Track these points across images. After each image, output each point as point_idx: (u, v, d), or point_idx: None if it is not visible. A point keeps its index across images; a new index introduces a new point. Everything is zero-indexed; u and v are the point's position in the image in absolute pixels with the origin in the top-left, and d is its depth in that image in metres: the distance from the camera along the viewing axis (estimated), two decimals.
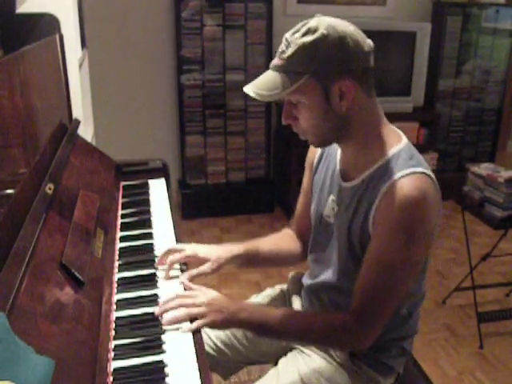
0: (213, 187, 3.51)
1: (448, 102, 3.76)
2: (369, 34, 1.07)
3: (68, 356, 0.79)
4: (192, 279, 1.16)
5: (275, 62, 1.02)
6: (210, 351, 1.33)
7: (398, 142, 1.07)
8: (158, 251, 1.28)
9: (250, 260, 1.27)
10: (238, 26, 3.25)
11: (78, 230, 1.11)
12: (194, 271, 1.17)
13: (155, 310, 1.03)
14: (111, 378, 0.86)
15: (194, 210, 3.37)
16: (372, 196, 1.03)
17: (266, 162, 3.57)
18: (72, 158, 1.41)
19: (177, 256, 1.19)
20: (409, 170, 1.01)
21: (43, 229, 1.00)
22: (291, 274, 1.42)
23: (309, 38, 0.97)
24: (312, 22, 1.00)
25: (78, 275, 0.97)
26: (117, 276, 1.16)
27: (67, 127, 1.58)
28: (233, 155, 3.51)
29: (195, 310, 1.03)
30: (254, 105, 3.41)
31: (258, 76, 1.05)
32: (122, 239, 1.33)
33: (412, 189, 0.97)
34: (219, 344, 1.34)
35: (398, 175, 1.00)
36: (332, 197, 1.15)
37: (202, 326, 1.02)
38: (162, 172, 1.74)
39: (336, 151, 1.18)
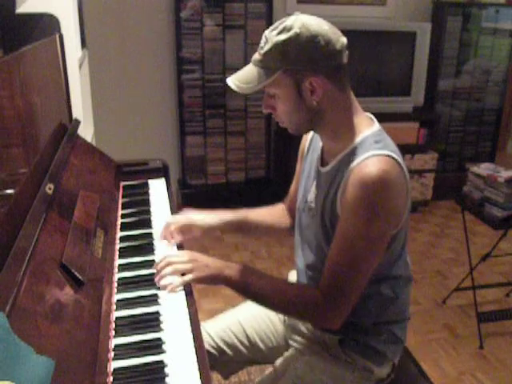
0: (213, 187, 3.52)
1: (448, 102, 3.76)
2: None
3: (68, 356, 0.79)
4: (185, 240, 1.31)
5: (255, 56, 1.09)
6: (211, 350, 1.34)
7: (368, 128, 1.12)
8: (158, 251, 1.28)
9: (239, 227, 1.39)
10: (238, 25, 3.25)
11: (78, 230, 1.11)
12: (188, 234, 1.32)
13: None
14: (111, 378, 0.86)
15: (194, 210, 3.36)
16: (340, 178, 1.09)
17: (265, 161, 3.58)
18: (72, 158, 1.41)
19: (173, 227, 1.31)
20: (372, 152, 1.05)
21: (43, 229, 1.00)
22: (291, 271, 1.43)
23: (282, 37, 1.03)
24: (288, 21, 1.05)
25: (78, 275, 0.97)
26: (117, 276, 1.16)
27: (67, 127, 1.58)
28: (233, 155, 3.52)
29: (182, 266, 1.12)
30: (254, 105, 3.41)
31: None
32: (122, 239, 1.33)
33: (373, 169, 1.02)
34: (220, 343, 1.35)
35: (361, 157, 1.05)
36: (314, 182, 1.21)
37: (190, 280, 1.10)
38: (162, 172, 1.74)
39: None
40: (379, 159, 1.03)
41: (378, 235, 1.05)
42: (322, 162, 1.19)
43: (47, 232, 1.01)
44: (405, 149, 3.45)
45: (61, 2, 1.85)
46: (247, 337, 1.36)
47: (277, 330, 1.37)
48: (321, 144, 1.21)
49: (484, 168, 2.38)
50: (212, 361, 1.32)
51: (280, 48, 1.03)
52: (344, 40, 1.07)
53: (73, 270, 0.96)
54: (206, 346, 1.33)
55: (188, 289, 1.13)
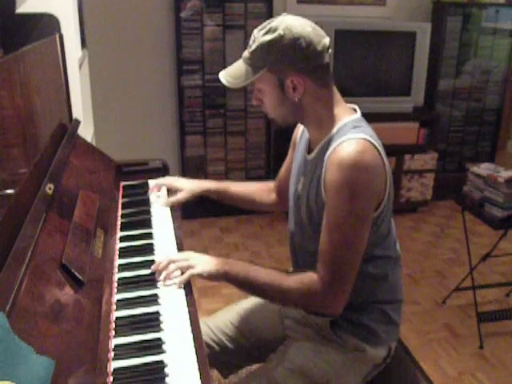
0: None
1: (448, 102, 3.76)
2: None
3: (68, 356, 0.79)
4: (170, 204, 1.50)
5: (245, 53, 1.18)
6: (212, 343, 1.36)
7: (348, 116, 1.18)
8: (158, 251, 1.28)
9: (220, 196, 1.53)
10: (238, 25, 3.25)
11: (78, 230, 1.11)
12: (172, 198, 1.50)
13: (152, 267, 1.18)
14: (111, 378, 0.86)
15: (194, 209, 3.37)
16: (321, 164, 1.15)
17: (265, 161, 3.58)
18: (72, 158, 1.41)
19: (158, 181, 1.58)
20: (348, 136, 1.11)
21: (43, 229, 1.00)
22: (290, 270, 1.44)
23: (267, 38, 1.11)
24: (274, 22, 1.13)
25: (78, 275, 0.97)
26: (117, 276, 1.16)
27: (67, 127, 1.58)
28: (233, 155, 3.52)
29: (184, 264, 1.16)
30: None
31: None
32: (122, 239, 1.33)
33: (349, 150, 1.07)
34: (221, 336, 1.37)
35: (338, 141, 1.11)
36: (302, 171, 1.27)
37: (191, 275, 1.14)
38: (162, 172, 1.74)
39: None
40: (354, 142, 1.09)
41: (363, 212, 1.09)
42: (309, 150, 1.26)
43: (47, 232, 1.01)
44: (405, 149, 3.49)
45: (61, 2, 1.85)
46: (248, 328, 1.38)
47: (275, 322, 1.39)
48: (307, 134, 1.28)
49: (484, 168, 2.38)
50: (212, 356, 1.35)
51: (265, 48, 1.11)
52: (326, 41, 1.14)
53: (73, 270, 0.96)
54: (207, 340, 1.36)
55: (188, 289, 1.13)
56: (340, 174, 1.07)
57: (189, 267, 1.15)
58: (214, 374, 1.48)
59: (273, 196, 1.54)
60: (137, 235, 1.36)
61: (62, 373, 0.73)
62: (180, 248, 1.31)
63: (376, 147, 1.10)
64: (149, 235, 1.36)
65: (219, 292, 2.52)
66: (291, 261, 1.37)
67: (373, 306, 1.23)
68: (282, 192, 1.49)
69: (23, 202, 1.00)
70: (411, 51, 3.35)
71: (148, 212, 1.50)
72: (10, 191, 0.99)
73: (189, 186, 1.53)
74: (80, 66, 2.04)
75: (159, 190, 1.59)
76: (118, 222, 1.42)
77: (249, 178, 3.57)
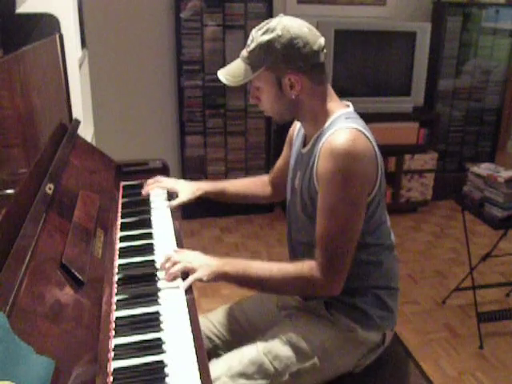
0: None
1: (448, 102, 3.76)
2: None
3: (68, 356, 0.79)
4: (173, 207, 1.51)
5: (243, 52, 1.21)
6: (213, 337, 1.39)
7: (341, 110, 1.22)
8: (158, 251, 1.28)
9: (217, 196, 1.57)
10: (238, 26, 3.25)
11: (78, 230, 1.11)
12: (174, 202, 1.51)
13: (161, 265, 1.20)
14: (111, 378, 0.86)
15: (194, 209, 3.37)
16: (314, 154, 1.19)
17: (265, 161, 3.58)
18: (72, 158, 1.41)
19: (159, 185, 1.58)
20: (339, 125, 1.15)
21: (43, 229, 1.00)
22: None
23: (266, 38, 1.15)
24: (272, 22, 1.17)
25: (78, 275, 0.96)
26: (117, 276, 1.16)
27: (67, 127, 1.58)
28: (233, 155, 3.52)
29: (188, 265, 1.17)
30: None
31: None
32: (122, 239, 1.33)
33: (340, 138, 1.12)
34: (221, 329, 1.40)
35: (331, 131, 1.16)
36: (298, 165, 1.31)
37: (194, 279, 1.15)
38: (162, 172, 1.74)
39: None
40: (347, 131, 1.13)
41: (356, 198, 1.13)
42: (305, 145, 1.30)
43: (47, 232, 1.01)
44: (405, 149, 3.49)
45: (61, 2, 1.85)
46: (247, 321, 1.40)
47: (273, 313, 1.41)
48: (303, 130, 1.32)
49: (484, 168, 2.38)
50: (213, 348, 1.38)
51: (264, 47, 1.15)
52: (322, 41, 1.18)
53: (73, 270, 0.96)
54: (208, 333, 1.39)
55: (188, 289, 1.13)
56: (332, 162, 1.11)
57: (192, 270, 1.17)
58: None
59: (267, 189, 1.59)
60: (137, 235, 1.36)
61: (62, 373, 0.73)
62: (180, 248, 1.31)
63: (367, 136, 1.14)
64: (149, 235, 1.36)
65: (219, 292, 2.52)
66: (288, 254, 1.42)
67: (367, 290, 1.27)
68: (276, 185, 1.56)
69: (23, 202, 1.00)
70: (411, 51, 3.35)
71: (148, 212, 1.50)
72: (10, 191, 0.99)
73: (189, 188, 1.55)
74: (80, 66, 2.04)
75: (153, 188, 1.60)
76: (118, 222, 1.42)
77: None
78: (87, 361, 0.82)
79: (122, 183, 1.67)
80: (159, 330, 0.99)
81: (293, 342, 1.23)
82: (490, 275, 2.84)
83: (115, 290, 1.11)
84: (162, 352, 0.93)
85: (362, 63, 3.38)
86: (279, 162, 1.53)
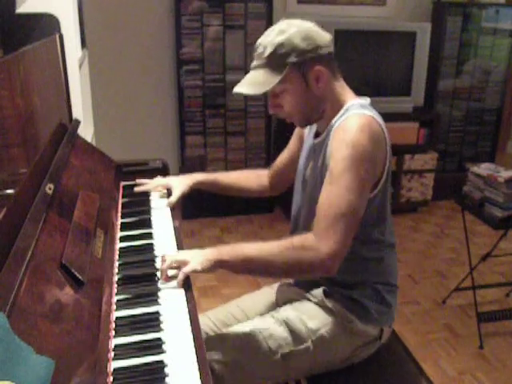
0: None
1: (448, 102, 3.76)
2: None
3: (68, 356, 0.79)
4: (172, 205, 1.51)
5: (256, 63, 1.21)
6: (213, 335, 1.38)
7: (356, 99, 1.25)
8: (158, 251, 1.28)
9: (211, 187, 1.58)
10: (238, 26, 3.25)
11: (78, 230, 1.11)
12: (172, 198, 1.51)
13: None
14: (111, 378, 0.86)
15: (194, 209, 3.37)
16: (328, 140, 1.21)
17: (265, 162, 3.57)
18: (72, 158, 1.41)
19: (153, 184, 1.60)
20: (354, 111, 1.18)
21: (43, 229, 0.99)
22: None
23: (283, 37, 1.17)
24: (279, 25, 1.20)
25: (78, 275, 0.96)
26: (117, 276, 1.16)
27: (67, 127, 1.58)
28: (233, 155, 3.52)
29: (179, 258, 1.16)
30: (254, 105, 3.41)
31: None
32: (122, 239, 1.33)
33: (354, 121, 1.15)
34: (221, 326, 1.40)
35: (345, 117, 1.18)
36: (310, 157, 1.32)
37: (189, 271, 1.13)
38: (162, 172, 1.74)
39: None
40: (359, 116, 1.16)
41: (362, 174, 1.12)
42: (316, 135, 1.32)
43: (47, 232, 1.01)
44: (405, 149, 3.49)
45: (61, 2, 1.85)
46: (246, 318, 1.40)
47: (272, 309, 1.41)
48: (315, 127, 1.34)
49: (484, 168, 2.38)
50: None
51: (285, 45, 1.16)
52: (328, 34, 1.23)
53: (73, 270, 0.96)
54: (208, 330, 1.39)
55: (188, 288, 1.13)
56: (345, 136, 1.13)
57: (184, 263, 1.14)
58: None
59: (263, 182, 1.59)
60: (137, 235, 1.36)
61: (62, 373, 0.73)
62: (180, 248, 1.31)
63: (379, 123, 1.17)
64: (149, 235, 1.36)
65: (219, 292, 2.52)
66: None
67: (366, 284, 1.28)
68: (276, 177, 1.57)
69: (23, 202, 1.00)
70: (411, 51, 3.35)
71: (148, 212, 1.50)
72: (10, 191, 0.99)
73: (182, 181, 1.56)
74: (80, 66, 2.04)
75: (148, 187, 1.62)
76: (118, 222, 1.42)
77: None
78: (87, 361, 0.82)
79: (122, 183, 1.67)
80: (159, 330, 0.99)
81: (289, 324, 1.25)
82: (489, 275, 2.84)
83: (115, 290, 1.11)
84: (162, 352, 0.93)
85: (362, 63, 3.38)
86: (283, 154, 1.54)
